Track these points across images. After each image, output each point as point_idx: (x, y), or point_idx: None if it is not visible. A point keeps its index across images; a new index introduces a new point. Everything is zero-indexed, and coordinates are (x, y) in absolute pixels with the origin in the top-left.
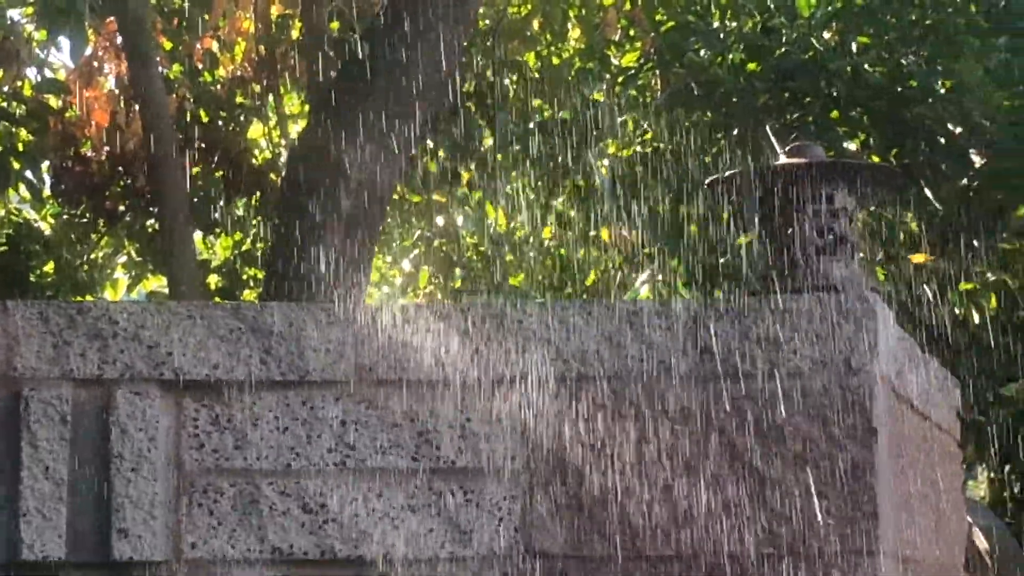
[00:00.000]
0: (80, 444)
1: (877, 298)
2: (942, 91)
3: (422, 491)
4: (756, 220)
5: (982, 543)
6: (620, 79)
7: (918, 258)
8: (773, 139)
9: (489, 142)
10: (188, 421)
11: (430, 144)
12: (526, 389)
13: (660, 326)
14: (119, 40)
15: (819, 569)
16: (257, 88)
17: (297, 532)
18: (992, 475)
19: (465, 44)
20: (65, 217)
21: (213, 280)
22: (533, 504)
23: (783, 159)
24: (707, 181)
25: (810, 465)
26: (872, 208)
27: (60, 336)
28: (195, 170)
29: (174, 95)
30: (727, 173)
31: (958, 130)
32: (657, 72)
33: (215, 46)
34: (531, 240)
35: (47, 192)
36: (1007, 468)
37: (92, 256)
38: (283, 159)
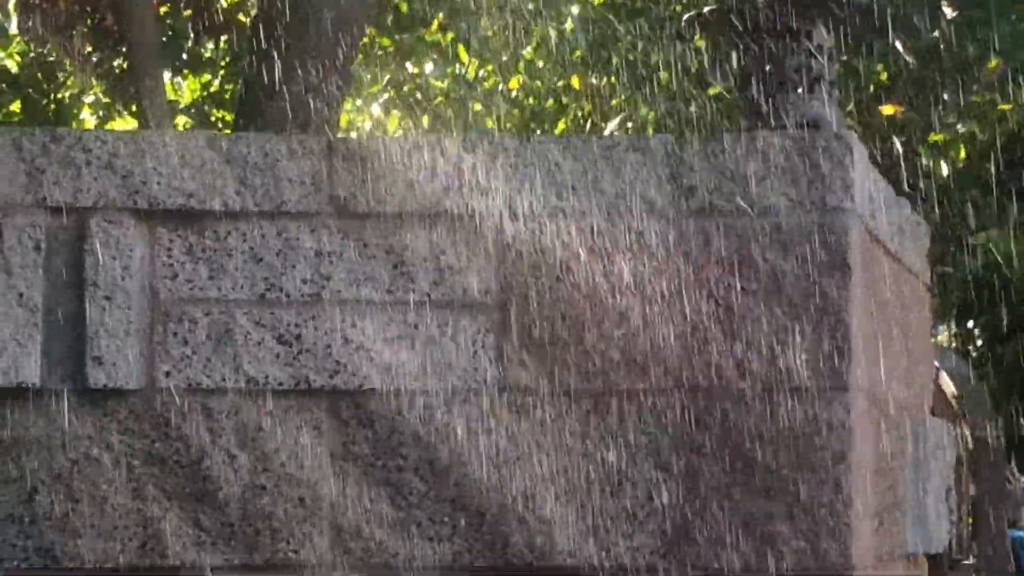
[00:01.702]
0: (54, 272)
1: (854, 137)
2: None
3: (397, 323)
4: (732, 58)
5: (949, 387)
6: None
7: (888, 109)
8: None
9: None
10: (162, 250)
11: None
12: (502, 222)
13: (636, 161)
14: None
15: (792, 403)
16: None
17: (272, 362)
18: (956, 328)
19: None
20: (32, 56)
21: (181, 121)
22: (508, 338)
23: None
24: (685, 17)
25: (785, 301)
26: (844, 58)
27: (33, 164)
28: (163, 10)
29: None
30: (706, 9)
31: None
32: None
33: None
34: (500, 88)
35: (13, 30)
36: (970, 323)
37: (59, 96)
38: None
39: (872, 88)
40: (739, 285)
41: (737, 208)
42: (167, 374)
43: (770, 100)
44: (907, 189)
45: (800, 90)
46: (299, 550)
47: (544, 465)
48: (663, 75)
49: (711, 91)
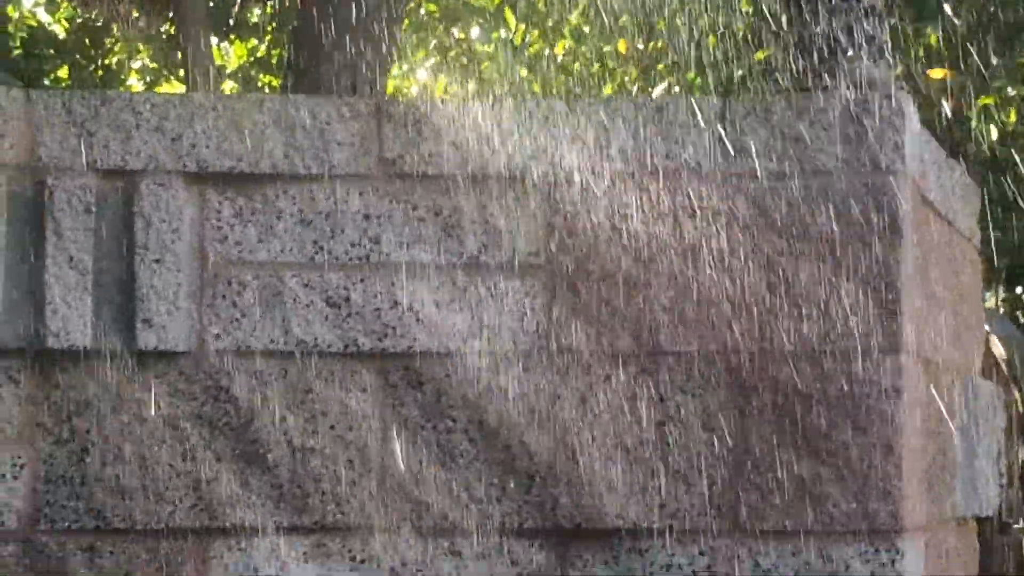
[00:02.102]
0: (104, 235)
1: (906, 98)
2: None
3: (446, 286)
4: (783, 18)
5: (1000, 351)
6: None
7: (937, 73)
8: None
9: None
10: (212, 213)
11: None
12: (551, 184)
13: (686, 123)
14: None
15: (842, 365)
16: None
17: (321, 325)
18: (1005, 293)
19: None
20: (79, 20)
21: (228, 86)
22: (557, 300)
23: None
24: None
25: (835, 263)
26: (893, 21)
27: (83, 127)
28: None
29: None
30: None
31: None
32: None
33: None
34: (547, 53)
35: None
36: (1019, 288)
37: (106, 61)
38: None
39: (921, 52)
40: (790, 247)
41: (788, 170)
42: (216, 336)
43: (821, 62)
44: (957, 153)
45: (851, 52)
46: (348, 512)
47: (593, 427)
48: (710, 39)
49: (758, 55)
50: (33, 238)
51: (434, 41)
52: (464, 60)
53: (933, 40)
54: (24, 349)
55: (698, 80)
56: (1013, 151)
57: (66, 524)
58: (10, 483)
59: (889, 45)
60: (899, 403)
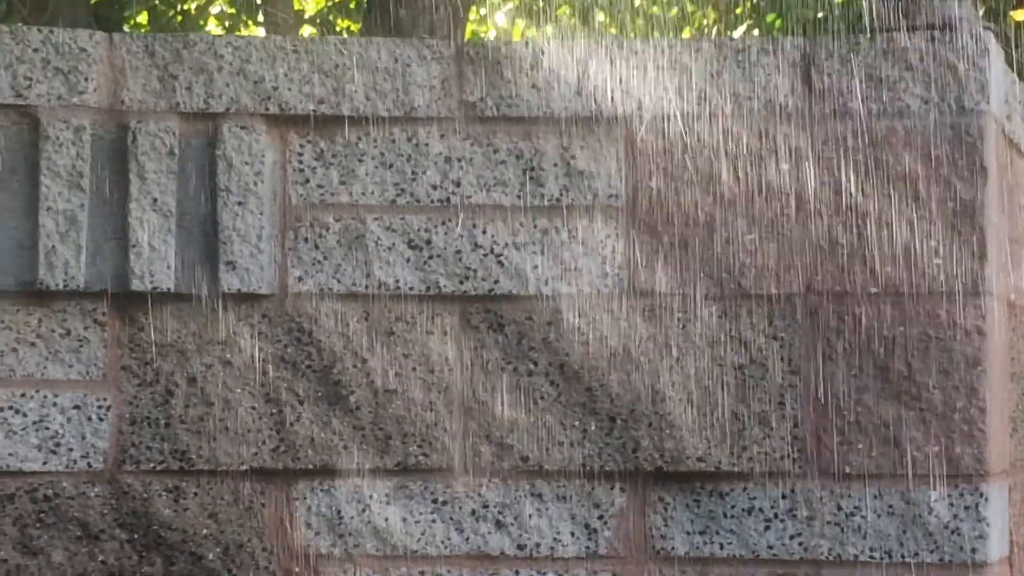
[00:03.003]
0: (187, 177)
1: (991, 38)
2: None
3: (526, 228)
4: None
5: None
6: None
7: (1020, 15)
8: None
9: None
10: (293, 156)
11: None
12: (632, 126)
13: (768, 64)
14: None
15: (926, 307)
16: None
17: (402, 267)
18: None
19: None
20: None
21: (306, 31)
22: (639, 242)
23: None
24: None
25: (919, 205)
26: None
27: (166, 70)
28: None
29: None
30: None
31: None
32: None
33: None
34: None
35: None
36: None
37: (185, 6)
38: None
39: None
40: (873, 188)
41: (871, 110)
42: (299, 279)
43: (904, 1)
44: None
45: None
46: (430, 454)
47: (674, 370)
48: None
49: None
50: (117, 181)
51: None
52: (541, 3)
53: None
54: (109, 292)
55: (779, 23)
56: None
57: (151, 465)
58: (96, 425)
59: None
60: (983, 346)
